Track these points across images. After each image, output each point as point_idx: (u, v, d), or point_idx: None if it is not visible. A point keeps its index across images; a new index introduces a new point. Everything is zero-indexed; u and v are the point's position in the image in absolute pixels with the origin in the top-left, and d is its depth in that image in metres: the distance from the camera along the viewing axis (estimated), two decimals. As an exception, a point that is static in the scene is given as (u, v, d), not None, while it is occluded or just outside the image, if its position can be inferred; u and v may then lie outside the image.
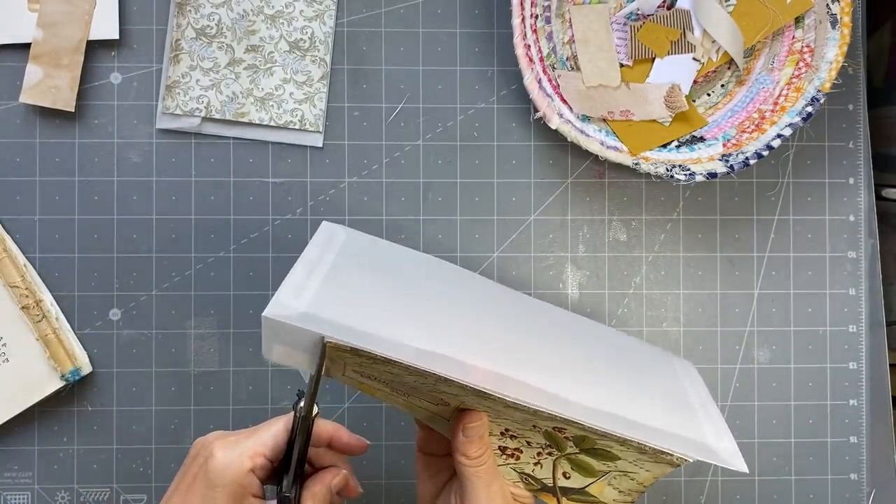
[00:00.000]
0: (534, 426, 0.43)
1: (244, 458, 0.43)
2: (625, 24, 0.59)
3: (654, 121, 0.58)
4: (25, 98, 0.57)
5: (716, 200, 0.62)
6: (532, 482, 0.47)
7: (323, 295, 0.42)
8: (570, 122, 0.56)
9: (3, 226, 0.58)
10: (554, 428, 0.43)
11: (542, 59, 0.57)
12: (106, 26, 0.58)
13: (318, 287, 0.43)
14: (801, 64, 0.57)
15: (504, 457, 0.46)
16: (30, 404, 0.57)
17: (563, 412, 0.40)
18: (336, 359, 0.42)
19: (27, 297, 0.57)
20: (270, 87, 0.59)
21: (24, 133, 0.59)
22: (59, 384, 0.57)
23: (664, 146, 0.58)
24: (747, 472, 0.43)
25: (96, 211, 0.59)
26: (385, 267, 0.50)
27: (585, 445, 0.43)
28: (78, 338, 0.59)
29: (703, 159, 0.56)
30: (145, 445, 0.59)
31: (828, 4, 0.56)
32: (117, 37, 0.58)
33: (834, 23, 0.56)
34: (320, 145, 0.60)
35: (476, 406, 0.43)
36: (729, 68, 0.60)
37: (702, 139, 0.58)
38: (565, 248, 0.61)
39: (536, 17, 0.57)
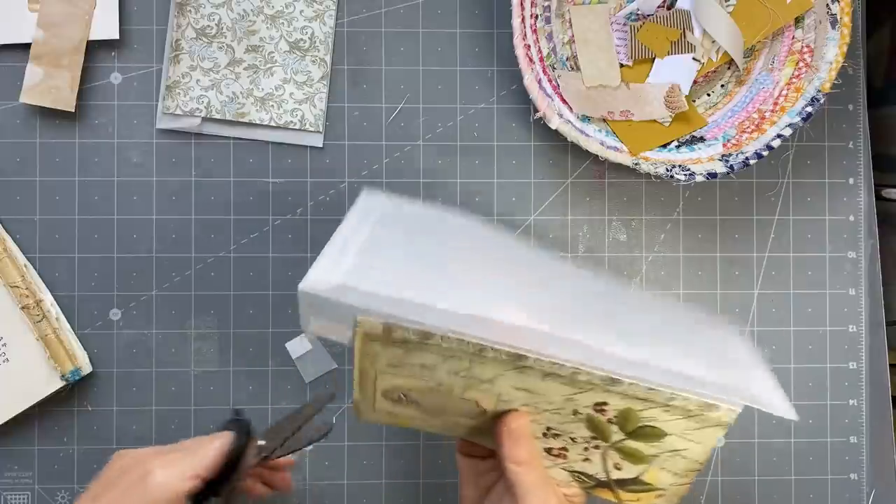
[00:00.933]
0: (574, 412, 0.42)
1: (184, 480, 0.42)
2: (625, 25, 0.59)
3: (654, 121, 0.58)
4: (25, 98, 0.57)
5: (716, 200, 0.62)
6: (585, 479, 0.45)
7: (359, 265, 0.41)
8: (570, 122, 0.56)
9: (3, 226, 0.58)
10: (595, 407, 0.42)
11: (542, 59, 0.57)
12: (106, 26, 0.58)
13: (354, 258, 0.42)
14: (801, 64, 0.57)
15: (551, 458, 0.45)
16: (30, 404, 0.57)
17: (602, 366, 0.40)
18: (367, 368, 0.42)
19: (27, 297, 0.57)
20: (270, 88, 0.59)
21: (24, 133, 0.59)
22: (59, 384, 0.57)
23: (664, 146, 0.58)
24: (797, 419, 0.42)
25: (96, 211, 0.59)
26: (425, 235, 0.48)
27: (630, 427, 0.42)
28: (78, 338, 0.59)
29: (703, 159, 0.56)
30: (145, 445, 0.59)
31: (828, 4, 0.56)
32: (117, 37, 0.58)
33: (834, 23, 0.56)
34: (320, 145, 0.60)
35: (513, 398, 0.42)
36: (729, 68, 0.60)
37: (702, 139, 0.58)
38: (565, 248, 0.61)
39: (536, 17, 0.57)
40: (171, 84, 0.58)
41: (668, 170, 0.55)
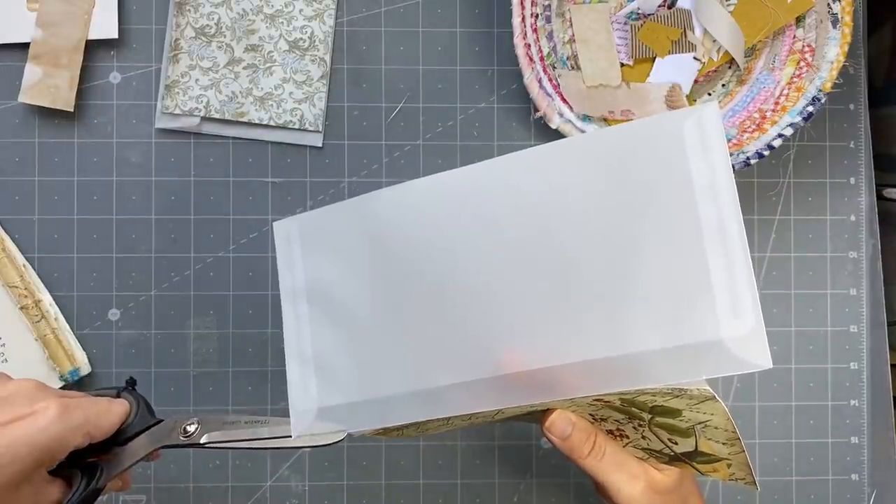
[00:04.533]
0: (590, 402, 0.40)
1: (78, 435, 0.39)
2: (625, 24, 0.59)
3: (655, 120, 0.58)
4: (24, 98, 0.57)
5: (716, 200, 0.61)
6: (657, 454, 0.43)
7: (323, 370, 0.40)
8: (570, 121, 0.56)
9: (3, 226, 0.58)
10: (598, 400, 0.39)
11: (542, 59, 0.57)
12: (105, 26, 0.58)
13: (313, 359, 0.41)
14: (802, 63, 0.57)
15: (618, 439, 0.43)
16: (29, 405, 0.57)
17: (561, 396, 0.37)
18: (384, 435, 0.42)
19: (26, 297, 0.57)
20: (270, 87, 0.59)
21: (24, 133, 0.59)
22: (58, 384, 0.57)
23: (665, 146, 0.58)
24: (770, 366, 0.33)
25: (96, 211, 0.59)
26: (363, 265, 0.41)
27: (644, 407, 0.40)
28: (77, 338, 0.59)
29: (704, 159, 0.56)
30: (145, 446, 0.59)
31: (829, 4, 0.56)
32: (117, 36, 0.58)
33: (835, 22, 0.56)
34: (320, 145, 0.60)
35: (528, 408, 0.41)
36: (730, 68, 0.60)
37: (702, 139, 0.58)
38: (565, 248, 0.61)
39: (536, 16, 0.57)
40: (170, 83, 0.58)
41: (668, 169, 0.55)
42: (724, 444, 0.40)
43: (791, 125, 0.56)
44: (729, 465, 0.42)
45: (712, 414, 0.39)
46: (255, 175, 0.60)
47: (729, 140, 0.57)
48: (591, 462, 0.41)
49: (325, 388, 0.40)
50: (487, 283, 0.38)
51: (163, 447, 0.45)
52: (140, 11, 0.59)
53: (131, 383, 0.47)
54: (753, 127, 0.57)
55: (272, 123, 0.59)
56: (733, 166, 0.55)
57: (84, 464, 0.42)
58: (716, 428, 0.39)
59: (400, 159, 0.60)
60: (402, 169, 0.60)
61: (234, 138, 0.60)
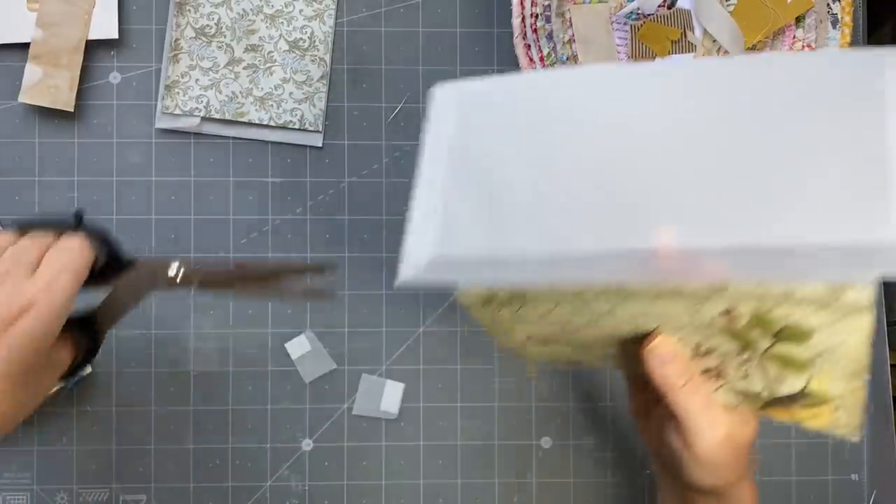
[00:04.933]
0: (710, 323, 0.38)
1: (68, 307, 0.39)
2: (625, 24, 0.59)
3: (655, 121, 0.58)
4: (25, 98, 0.57)
5: (716, 200, 0.61)
6: (752, 399, 0.41)
7: (448, 219, 0.38)
8: (570, 121, 0.56)
9: (3, 226, 0.58)
10: (723, 315, 0.37)
11: (542, 59, 0.57)
12: (105, 26, 0.58)
13: (441, 210, 0.38)
14: (802, 64, 0.57)
15: (712, 379, 0.41)
16: (29, 404, 0.57)
17: (703, 269, 0.35)
18: (491, 327, 0.40)
19: (26, 297, 0.57)
20: (270, 87, 0.59)
21: (24, 133, 0.59)
22: (58, 384, 0.57)
23: (664, 146, 0.58)
24: None
25: (95, 211, 0.59)
26: (519, 136, 0.40)
27: (770, 328, 0.37)
28: (77, 338, 0.59)
29: (704, 159, 0.56)
30: (144, 446, 0.59)
31: (828, 4, 0.56)
32: (117, 36, 0.58)
33: (835, 22, 0.56)
34: (320, 145, 0.60)
35: (644, 322, 0.39)
36: (729, 68, 0.60)
37: (702, 139, 0.58)
38: (565, 249, 0.61)
39: (536, 16, 0.57)
40: (170, 84, 0.58)
41: (668, 170, 0.55)
42: (843, 378, 0.38)
43: (791, 125, 0.56)
44: (836, 409, 0.39)
45: (851, 334, 0.36)
46: (255, 175, 0.60)
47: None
48: (683, 395, 0.39)
49: (446, 240, 0.38)
50: (651, 160, 0.37)
51: (151, 293, 0.45)
52: (140, 11, 0.59)
53: (79, 217, 0.44)
54: (753, 127, 0.57)
55: (272, 123, 0.59)
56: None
57: (78, 321, 0.43)
58: (844, 356, 0.37)
59: (400, 159, 0.60)
60: (402, 169, 0.60)
61: (234, 138, 0.60)
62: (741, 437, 0.41)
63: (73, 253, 0.40)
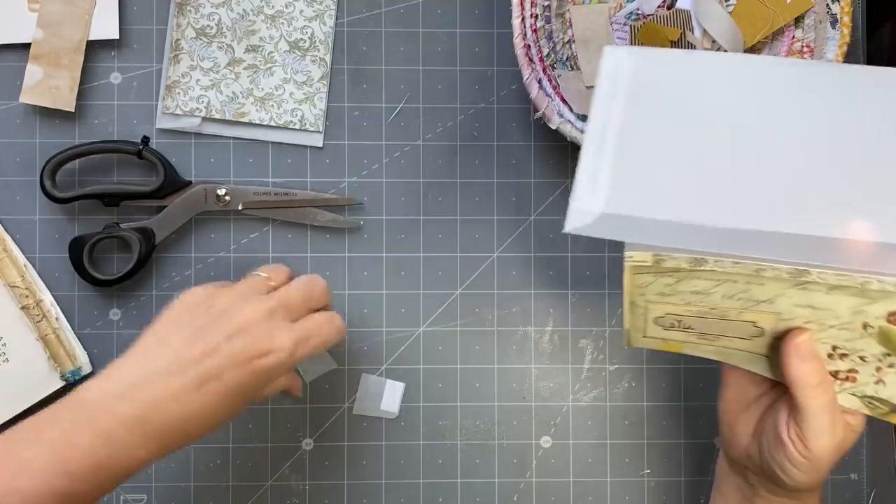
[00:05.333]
0: (864, 326, 0.39)
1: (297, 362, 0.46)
2: (625, 24, 0.59)
3: (655, 121, 0.58)
4: (25, 98, 0.57)
5: (716, 200, 0.61)
6: (877, 405, 0.41)
7: (620, 175, 0.38)
8: (570, 122, 0.56)
9: (3, 226, 0.58)
10: (890, 317, 0.37)
11: (542, 59, 0.57)
12: (106, 26, 0.58)
13: (612, 164, 0.38)
14: (802, 64, 0.57)
15: (839, 382, 0.42)
16: (30, 404, 0.57)
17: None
18: (636, 299, 0.41)
19: (27, 297, 0.57)
20: (270, 87, 0.59)
21: (24, 133, 0.59)
22: (59, 384, 0.57)
23: (664, 146, 0.58)
24: None
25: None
26: (690, 103, 0.40)
27: None
28: (78, 337, 0.59)
29: (704, 159, 0.56)
30: (145, 445, 0.59)
31: (828, 4, 0.56)
32: (117, 37, 0.58)
33: (834, 23, 0.56)
34: (320, 145, 0.60)
35: (795, 316, 0.40)
36: (729, 68, 0.60)
37: (702, 139, 0.58)
38: (565, 248, 0.61)
39: (536, 16, 0.57)
40: (170, 84, 0.58)
41: (668, 170, 0.55)
42: None
43: (790, 125, 0.56)
44: None
45: None
46: (255, 175, 0.60)
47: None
48: (813, 394, 0.40)
49: (618, 200, 0.37)
50: (843, 151, 0.38)
51: (202, 213, 0.58)
52: (141, 12, 0.59)
53: (145, 141, 0.57)
54: (753, 127, 0.57)
55: (273, 124, 0.59)
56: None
57: (138, 228, 0.56)
58: None
59: (400, 159, 0.60)
60: (402, 169, 0.60)
61: (234, 138, 0.60)
62: (848, 444, 0.43)
63: (331, 328, 0.47)
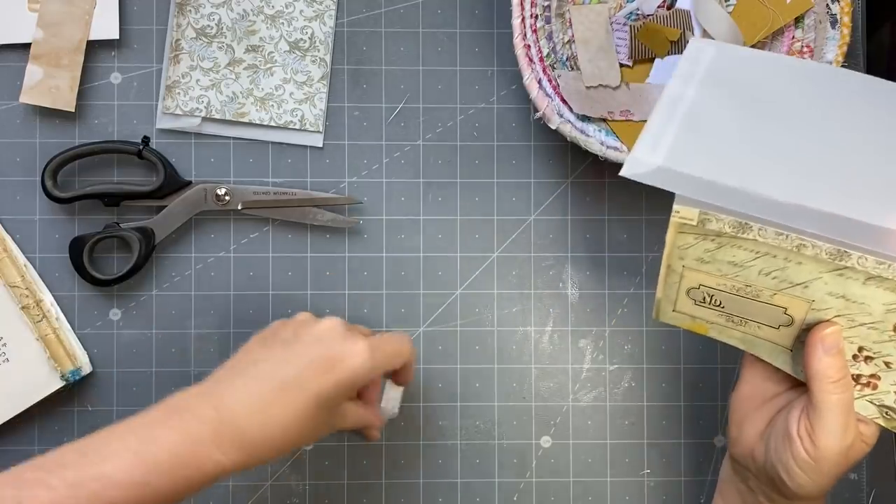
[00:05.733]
0: (895, 328, 0.38)
1: (374, 373, 0.46)
2: (625, 24, 0.59)
3: (655, 121, 0.58)
4: (25, 98, 0.57)
5: (716, 200, 0.62)
6: (894, 416, 0.41)
7: (680, 142, 0.40)
8: (570, 122, 0.56)
9: (3, 226, 0.58)
10: None
11: (542, 59, 0.57)
12: (106, 26, 0.58)
13: (675, 131, 0.40)
14: (801, 64, 0.57)
15: (859, 387, 0.41)
16: (30, 404, 0.57)
17: None
18: (674, 263, 0.41)
19: (27, 296, 0.57)
20: (270, 87, 0.59)
21: (24, 133, 0.59)
22: (59, 384, 0.57)
23: (664, 146, 0.58)
24: None
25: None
26: (757, 94, 0.43)
27: None
28: (78, 338, 0.59)
29: (704, 159, 0.56)
30: (145, 445, 0.59)
31: (828, 4, 0.56)
32: (117, 37, 0.58)
33: (834, 23, 0.56)
34: (320, 145, 0.60)
35: (827, 307, 0.39)
36: (729, 68, 0.60)
37: (702, 139, 0.58)
38: (565, 248, 0.61)
39: (536, 17, 0.57)
40: (170, 84, 0.58)
41: (668, 170, 0.55)
42: None
43: (790, 125, 0.56)
44: None
45: None
46: (255, 175, 0.60)
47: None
48: (832, 388, 0.40)
49: (677, 156, 0.39)
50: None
51: (201, 213, 0.58)
52: (141, 12, 0.59)
53: (145, 141, 0.57)
54: (753, 127, 0.57)
55: (273, 124, 0.59)
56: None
57: (138, 228, 0.57)
58: None
59: (400, 159, 0.60)
60: (402, 169, 0.60)
61: (234, 139, 0.60)
62: (857, 454, 0.42)
63: (403, 340, 0.49)
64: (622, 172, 0.39)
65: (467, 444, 0.60)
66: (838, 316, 0.40)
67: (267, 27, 0.59)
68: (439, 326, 0.60)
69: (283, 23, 0.59)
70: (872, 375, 0.41)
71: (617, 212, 0.61)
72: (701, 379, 0.61)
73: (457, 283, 0.60)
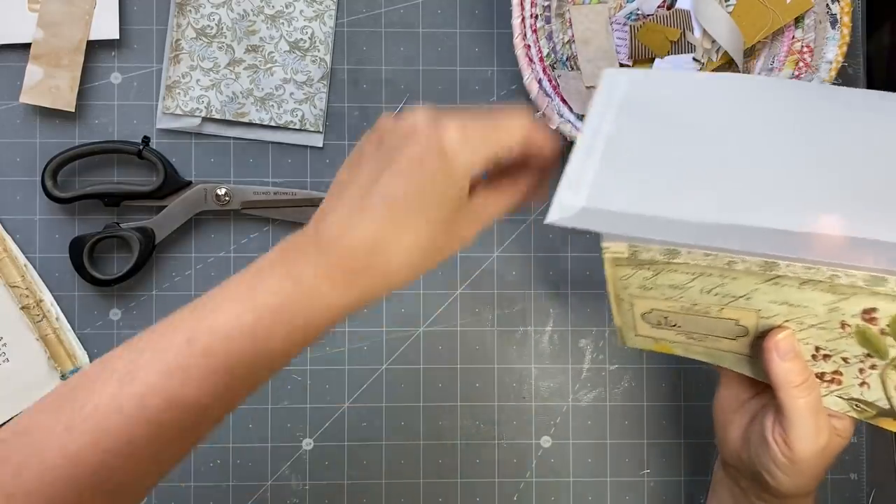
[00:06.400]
0: (842, 325, 0.38)
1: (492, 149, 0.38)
2: (625, 24, 0.59)
3: (654, 121, 0.58)
4: (25, 98, 0.57)
5: (716, 200, 0.62)
6: (864, 408, 0.41)
7: (601, 178, 0.39)
8: (570, 122, 0.56)
9: (3, 226, 0.58)
10: (864, 315, 0.37)
11: (542, 59, 0.57)
12: (106, 26, 0.58)
13: (597, 168, 0.39)
14: (801, 64, 0.57)
15: (825, 384, 0.41)
16: (30, 404, 0.57)
17: (861, 261, 0.35)
18: (619, 293, 0.41)
19: (27, 297, 0.57)
20: (270, 87, 0.59)
21: (24, 133, 0.59)
22: (59, 384, 0.57)
23: (664, 146, 0.58)
24: None
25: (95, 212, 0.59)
26: (675, 117, 0.43)
27: None
28: (78, 338, 0.59)
29: (704, 159, 0.56)
30: (145, 445, 0.59)
31: (828, 4, 0.56)
32: (117, 37, 0.58)
33: (834, 23, 0.56)
34: (320, 145, 0.60)
35: (774, 313, 0.40)
36: (729, 68, 0.60)
37: (702, 139, 0.58)
38: (565, 248, 0.61)
39: (536, 17, 0.57)
40: (171, 84, 0.58)
41: (668, 170, 0.55)
42: None
43: (790, 125, 0.56)
44: None
45: None
46: (255, 175, 0.60)
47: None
48: (796, 393, 0.40)
49: (599, 193, 0.39)
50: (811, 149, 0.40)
51: (202, 213, 0.58)
52: (141, 12, 0.59)
53: (146, 141, 0.57)
54: (753, 127, 0.57)
55: (273, 124, 0.59)
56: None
57: (138, 228, 0.57)
58: None
59: (400, 159, 0.60)
60: (402, 169, 0.60)
61: (234, 139, 0.60)
62: (835, 449, 0.42)
63: (509, 122, 0.39)
64: (547, 220, 0.38)
65: (467, 444, 0.60)
66: (787, 321, 0.40)
67: (267, 27, 0.59)
68: (439, 326, 0.60)
69: (283, 23, 0.59)
70: (835, 372, 0.41)
71: (617, 212, 0.61)
72: (701, 379, 0.61)
73: (457, 284, 0.60)
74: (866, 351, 0.39)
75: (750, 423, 0.45)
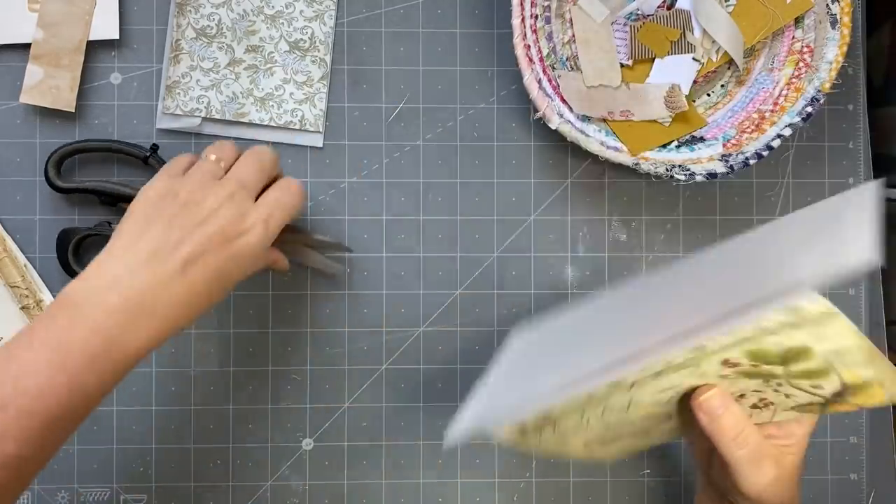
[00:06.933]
0: (721, 377, 0.41)
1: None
2: (625, 25, 0.59)
3: (654, 121, 0.58)
4: (25, 98, 0.57)
5: (716, 201, 0.62)
6: (808, 408, 0.43)
7: (493, 389, 0.46)
8: (570, 122, 0.56)
9: (3, 226, 0.58)
10: (728, 365, 0.40)
11: (542, 59, 0.57)
12: (106, 26, 0.58)
13: (488, 391, 0.47)
14: (801, 64, 0.57)
15: (762, 409, 0.43)
16: (30, 404, 0.57)
17: (679, 345, 0.38)
18: (527, 448, 0.46)
19: (27, 297, 0.57)
20: (270, 88, 0.59)
21: (24, 133, 0.59)
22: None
23: (664, 146, 0.58)
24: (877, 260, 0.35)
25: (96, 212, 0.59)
26: (546, 335, 0.51)
27: (775, 359, 0.39)
28: (78, 338, 0.59)
29: (703, 159, 0.56)
30: (145, 445, 0.59)
31: (828, 4, 0.56)
32: (117, 37, 0.58)
33: (834, 23, 0.56)
34: (320, 145, 0.60)
35: (668, 395, 0.42)
36: (729, 68, 0.60)
37: (702, 139, 0.58)
38: (565, 248, 0.61)
39: (536, 17, 0.57)
40: (171, 84, 0.58)
41: (667, 170, 0.55)
42: (864, 364, 0.39)
43: (790, 126, 0.56)
44: (882, 385, 0.40)
45: (838, 335, 0.38)
46: (255, 175, 0.60)
47: (727, 140, 0.57)
48: (736, 446, 0.41)
49: (484, 414, 0.44)
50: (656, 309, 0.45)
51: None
52: (141, 12, 0.59)
53: (154, 149, 0.57)
54: (752, 127, 0.57)
55: (273, 124, 0.59)
56: (732, 167, 0.55)
57: None
58: (848, 351, 0.39)
59: (400, 159, 0.60)
60: (402, 169, 0.60)
61: (235, 139, 0.60)
62: (789, 471, 0.43)
63: (291, 196, 0.48)
64: (443, 448, 0.46)
65: (467, 444, 0.60)
66: (686, 384, 0.42)
67: (267, 27, 0.59)
68: (439, 326, 0.60)
69: (283, 23, 0.59)
70: (761, 399, 0.43)
71: (617, 212, 0.61)
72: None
73: (457, 283, 0.60)
74: (763, 380, 0.41)
75: (720, 468, 0.46)
